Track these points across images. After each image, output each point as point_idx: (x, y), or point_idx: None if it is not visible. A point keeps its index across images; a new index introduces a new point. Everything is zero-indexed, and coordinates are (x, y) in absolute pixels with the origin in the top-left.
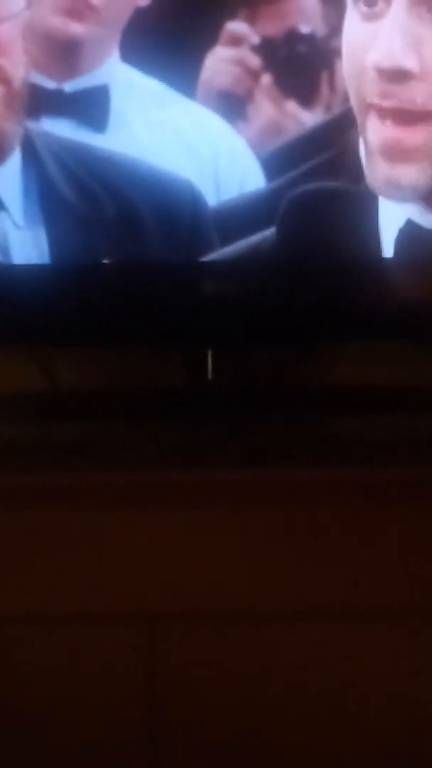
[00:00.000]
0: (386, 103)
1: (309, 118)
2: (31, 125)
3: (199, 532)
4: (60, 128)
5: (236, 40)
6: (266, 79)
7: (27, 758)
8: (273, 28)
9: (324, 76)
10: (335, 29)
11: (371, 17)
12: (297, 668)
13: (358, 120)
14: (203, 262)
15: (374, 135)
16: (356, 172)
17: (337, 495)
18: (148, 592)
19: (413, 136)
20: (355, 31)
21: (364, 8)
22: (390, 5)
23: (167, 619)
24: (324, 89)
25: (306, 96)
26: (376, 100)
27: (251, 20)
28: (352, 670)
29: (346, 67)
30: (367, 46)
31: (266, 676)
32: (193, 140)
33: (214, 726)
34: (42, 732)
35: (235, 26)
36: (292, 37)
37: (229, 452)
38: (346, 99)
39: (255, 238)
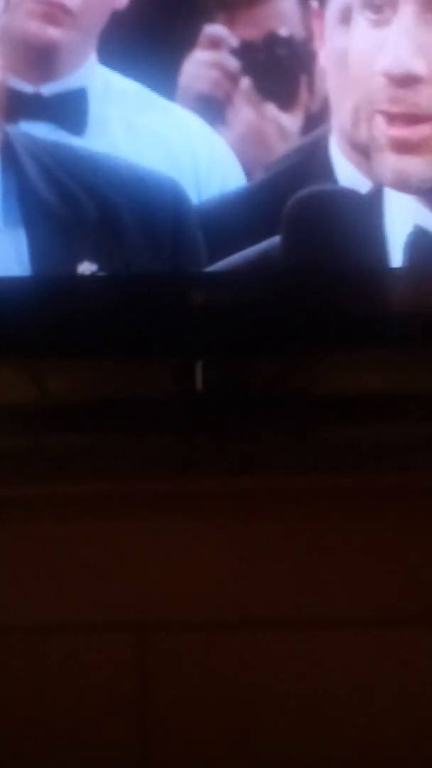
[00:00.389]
0: (395, 108)
1: (288, 121)
2: (10, 129)
3: (190, 541)
4: (39, 131)
5: (215, 44)
6: (245, 82)
7: None
8: (252, 31)
9: (303, 80)
10: (312, 33)
11: (378, 24)
12: (289, 677)
13: (359, 124)
14: (193, 271)
15: (381, 134)
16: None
17: (327, 504)
18: (139, 601)
19: (419, 132)
20: (361, 38)
21: (372, 16)
22: (396, 12)
23: (158, 629)
24: (303, 93)
25: (285, 99)
26: (384, 106)
27: (230, 23)
28: (345, 679)
29: (352, 74)
30: (375, 52)
31: (258, 685)
32: (172, 142)
33: (205, 735)
34: (33, 740)
35: (214, 29)
36: (271, 40)
37: (219, 462)
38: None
39: (262, 246)
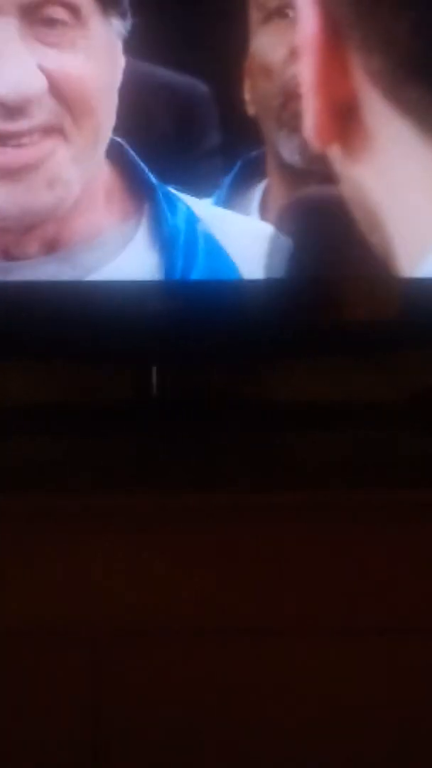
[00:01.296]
0: None
1: None
2: None
3: (143, 553)
4: None
5: None
6: None
7: None
8: None
9: None
10: None
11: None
12: (240, 686)
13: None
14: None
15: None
16: None
17: (283, 515)
18: (92, 610)
19: None
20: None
21: None
22: None
23: (112, 638)
24: None
25: None
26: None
27: None
28: (303, 688)
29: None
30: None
31: (210, 694)
32: None
33: (158, 745)
34: None
35: None
36: None
37: (173, 474)
38: None
39: None
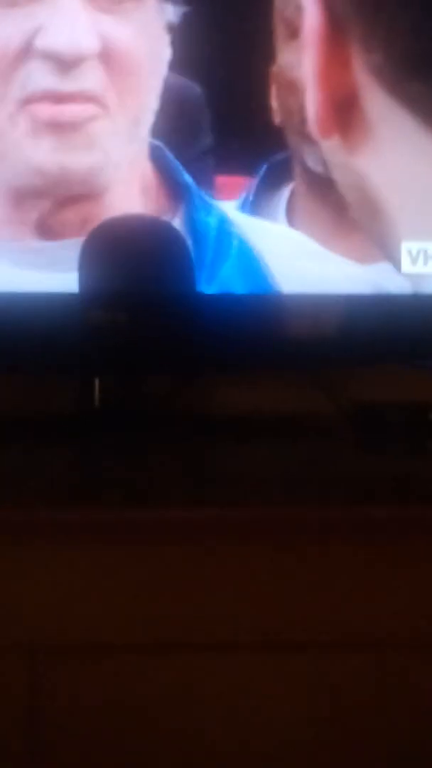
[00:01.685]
0: None
1: None
2: None
3: (84, 566)
4: None
5: None
6: None
7: None
8: None
9: None
10: None
11: None
12: (179, 702)
13: None
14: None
15: None
16: None
17: (220, 530)
18: (30, 624)
19: None
20: None
21: None
22: None
23: (48, 652)
24: None
25: None
26: None
27: None
28: (248, 703)
29: None
30: None
31: (151, 710)
32: None
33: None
34: None
35: None
36: None
37: (113, 489)
38: None
39: None
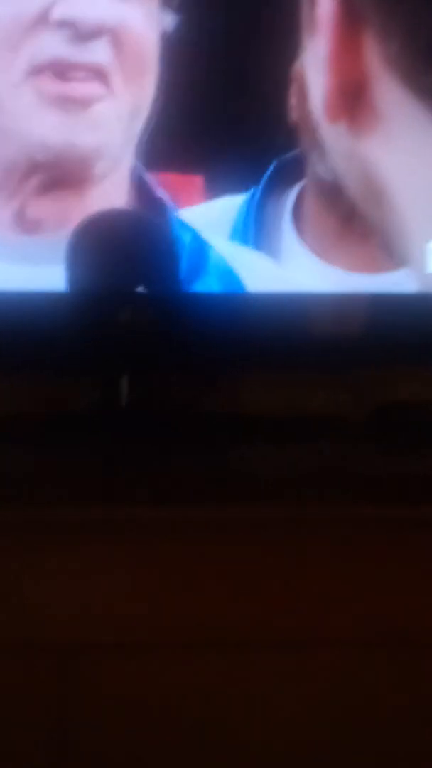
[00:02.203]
0: None
1: None
2: None
3: (111, 566)
4: None
5: None
6: None
7: None
8: None
9: None
10: None
11: None
12: (204, 700)
13: None
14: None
15: None
16: None
17: (243, 529)
18: (55, 624)
19: None
20: None
21: None
22: None
23: (76, 651)
24: None
25: None
26: None
27: None
28: (262, 702)
29: None
30: None
31: (173, 708)
32: None
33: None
34: None
35: None
36: None
37: (139, 489)
38: None
39: None
